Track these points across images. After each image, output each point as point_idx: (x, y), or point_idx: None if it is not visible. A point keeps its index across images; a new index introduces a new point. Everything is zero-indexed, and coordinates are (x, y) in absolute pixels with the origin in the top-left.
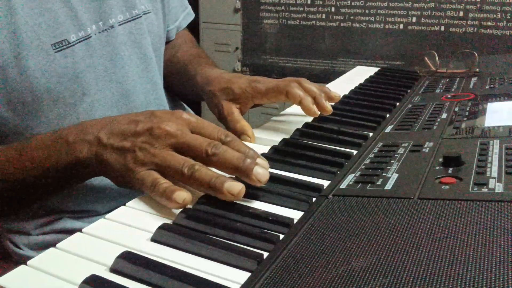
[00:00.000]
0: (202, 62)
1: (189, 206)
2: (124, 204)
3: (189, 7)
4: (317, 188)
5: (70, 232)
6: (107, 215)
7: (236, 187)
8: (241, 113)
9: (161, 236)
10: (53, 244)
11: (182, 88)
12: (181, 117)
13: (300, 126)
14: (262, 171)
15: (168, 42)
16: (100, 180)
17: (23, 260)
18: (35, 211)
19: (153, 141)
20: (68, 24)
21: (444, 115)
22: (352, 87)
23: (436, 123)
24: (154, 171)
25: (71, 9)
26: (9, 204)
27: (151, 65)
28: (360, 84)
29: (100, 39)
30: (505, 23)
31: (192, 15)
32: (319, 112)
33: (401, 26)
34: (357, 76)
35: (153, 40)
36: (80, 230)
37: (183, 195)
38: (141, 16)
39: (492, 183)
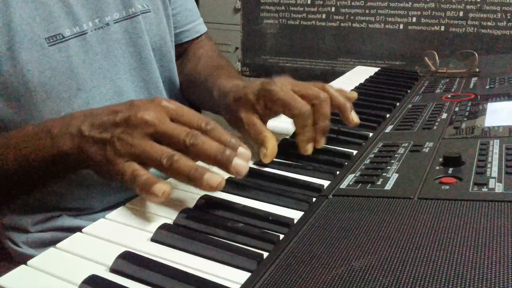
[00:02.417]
0: (221, 74)
1: (189, 206)
2: (123, 202)
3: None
4: (317, 188)
5: (68, 230)
6: (107, 215)
7: (215, 179)
8: (263, 122)
9: (161, 236)
10: (52, 242)
11: (202, 102)
12: (160, 104)
13: None
14: (241, 163)
15: (179, 45)
16: (98, 176)
17: (22, 258)
18: (33, 207)
19: (131, 130)
20: (62, 19)
21: (444, 115)
22: (352, 87)
23: (436, 123)
24: (134, 163)
25: (66, 4)
26: None
27: (146, 64)
28: (360, 84)
29: (96, 36)
30: (505, 23)
31: (204, 26)
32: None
33: (401, 26)
34: (357, 76)
35: (152, 39)
36: (78, 228)
37: (162, 188)
38: (138, 15)
39: (492, 183)
